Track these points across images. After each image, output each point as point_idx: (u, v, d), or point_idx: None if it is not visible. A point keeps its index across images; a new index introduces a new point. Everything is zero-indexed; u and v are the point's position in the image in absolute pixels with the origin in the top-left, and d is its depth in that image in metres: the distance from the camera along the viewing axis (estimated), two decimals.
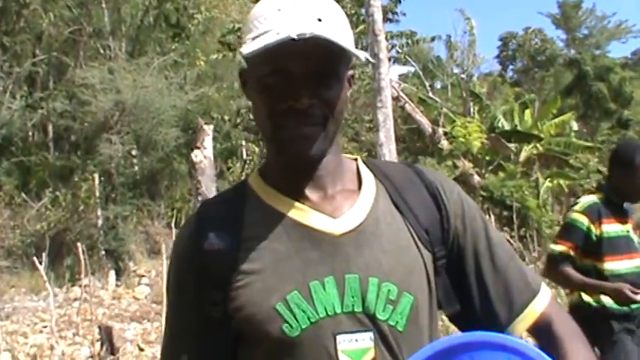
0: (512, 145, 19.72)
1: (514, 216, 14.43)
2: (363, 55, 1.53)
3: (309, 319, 1.44)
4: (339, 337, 1.44)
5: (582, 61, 45.61)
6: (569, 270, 4.60)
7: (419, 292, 1.52)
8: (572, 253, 4.61)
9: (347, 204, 1.55)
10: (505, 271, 1.60)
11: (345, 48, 1.43)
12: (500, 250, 1.62)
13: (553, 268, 4.68)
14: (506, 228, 14.00)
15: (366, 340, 1.45)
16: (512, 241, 13.31)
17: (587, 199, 4.75)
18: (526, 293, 1.60)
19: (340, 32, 1.46)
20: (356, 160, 1.67)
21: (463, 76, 31.25)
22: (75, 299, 11.07)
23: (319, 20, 1.43)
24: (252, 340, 1.48)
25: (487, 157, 20.31)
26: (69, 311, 10.22)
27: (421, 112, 20.98)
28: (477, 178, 18.77)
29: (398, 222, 1.56)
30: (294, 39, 1.37)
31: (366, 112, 24.92)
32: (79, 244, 10.45)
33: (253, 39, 1.45)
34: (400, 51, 24.43)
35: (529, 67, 59.13)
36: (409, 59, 27.65)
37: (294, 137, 1.48)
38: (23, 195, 19.67)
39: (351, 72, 1.58)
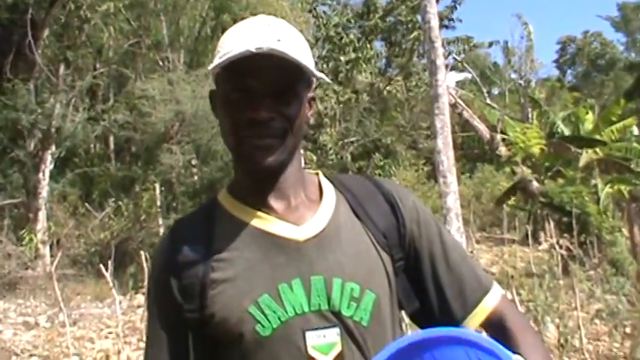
0: (573, 151, 19.46)
1: (574, 222, 14.23)
2: (321, 75, 1.67)
3: (279, 318, 1.56)
4: (308, 334, 1.56)
5: None
6: None
7: (380, 290, 1.64)
8: None
9: (309, 213, 1.67)
10: (459, 271, 1.72)
11: (301, 65, 1.55)
12: (453, 252, 1.74)
13: None
14: (566, 234, 13.83)
15: (333, 335, 1.57)
16: (572, 247, 13.12)
17: None
18: (478, 291, 1.72)
19: (299, 52, 1.57)
20: (317, 174, 1.79)
21: (521, 81, 31.01)
22: (138, 306, 11.28)
23: (278, 40, 1.55)
24: (227, 342, 1.58)
25: (546, 164, 20.08)
26: (133, 318, 10.42)
27: (479, 118, 20.84)
28: (535, 184, 18.57)
29: (357, 228, 1.68)
30: (252, 52, 1.49)
31: (423, 119, 24.87)
32: (141, 252, 10.64)
33: (220, 58, 1.57)
34: (457, 57, 24.35)
35: (588, 71, 58.23)
36: (466, 66, 27.50)
37: (255, 147, 1.59)
38: (87, 205, 20.06)
39: (312, 94, 1.71)
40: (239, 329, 1.56)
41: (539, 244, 17.85)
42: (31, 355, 8.97)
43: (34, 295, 14.13)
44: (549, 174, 19.79)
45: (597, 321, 10.02)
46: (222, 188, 1.75)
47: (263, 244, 1.62)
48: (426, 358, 1.58)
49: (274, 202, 1.66)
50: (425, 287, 1.71)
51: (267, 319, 1.56)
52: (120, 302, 9.16)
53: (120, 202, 19.49)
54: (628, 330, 8.87)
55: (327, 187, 1.75)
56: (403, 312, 1.77)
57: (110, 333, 9.75)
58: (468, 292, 1.71)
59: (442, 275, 1.71)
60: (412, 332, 1.56)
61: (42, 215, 18.46)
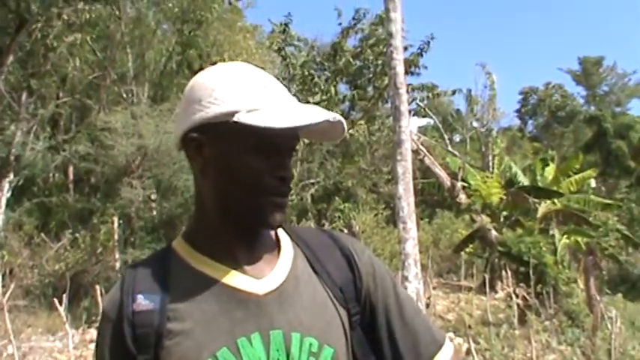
0: (531, 201, 19.69)
1: (531, 272, 14.36)
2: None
3: None
4: None
5: (602, 118, 45.61)
6: None
7: (338, 344, 1.64)
8: None
9: (269, 266, 1.67)
10: (413, 325, 1.73)
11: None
12: (407, 305, 1.76)
13: None
14: (522, 284, 13.90)
15: None
16: (528, 297, 13.22)
17: None
18: (432, 346, 1.73)
19: None
20: None
21: (482, 130, 31.37)
22: (91, 341, 11.08)
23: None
24: None
25: (505, 213, 20.28)
26: (85, 353, 10.22)
27: (440, 165, 21.03)
28: (494, 233, 18.71)
29: (315, 282, 1.68)
30: (330, 121, 1.58)
31: (385, 163, 25.02)
32: (97, 286, 10.51)
33: (249, 111, 1.56)
34: (420, 104, 24.58)
35: (549, 122, 59.21)
36: (429, 112, 27.79)
37: (275, 205, 1.62)
38: (42, 235, 19.81)
39: None
40: None
41: (496, 292, 17.94)
42: None
43: None
44: (507, 223, 19.96)
45: None
46: (181, 224, 1.73)
47: (221, 297, 1.60)
48: None
49: (241, 255, 1.65)
50: (379, 341, 1.71)
51: None
52: (72, 336, 9.02)
53: (77, 234, 19.28)
54: None
55: (285, 239, 1.75)
56: None
57: None
58: (422, 346, 1.72)
59: (397, 329, 1.71)
60: None
61: None
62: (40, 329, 13.52)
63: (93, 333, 11.58)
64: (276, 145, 1.60)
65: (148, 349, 1.55)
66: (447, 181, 20.06)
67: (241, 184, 1.60)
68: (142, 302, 1.58)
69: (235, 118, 1.55)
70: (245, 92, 1.59)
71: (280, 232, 1.75)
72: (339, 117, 1.59)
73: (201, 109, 1.60)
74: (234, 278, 1.62)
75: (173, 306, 1.58)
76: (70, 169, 24.29)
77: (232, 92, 1.59)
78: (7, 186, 18.45)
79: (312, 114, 1.56)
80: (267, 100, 1.59)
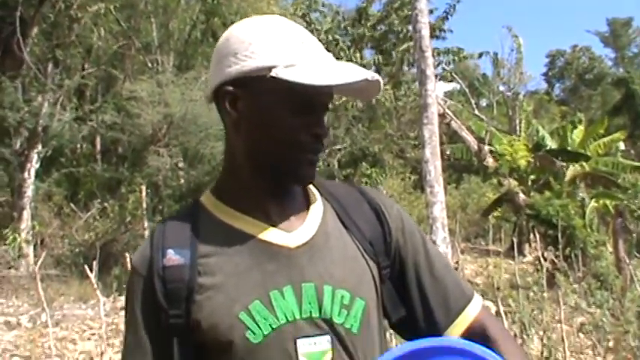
0: (559, 164, 19.55)
1: (559, 235, 14.27)
2: None
3: (270, 325, 1.54)
4: (299, 342, 1.55)
5: (630, 80, 45.01)
6: None
7: (369, 297, 1.64)
8: None
9: (299, 220, 1.66)
10: (442, 280, 1.73)
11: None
12: (437, 261, 1.76)
13: None
14: (551, 247, 13.84)
15: (324, 343, 1.56)
16: (556, 260, 13.15)
17: None
18: (461, 300, 1.74)
19: None
20: None
21: (509, 94, 31.08)
22: (122, 308, 11.19)
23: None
24: (216, 349, 1.55)
25: (532, 176, 20.16)
26: (116, 320, 10.33)
27: (467, 129, 20.89)
28: (522, 196, 18.63)
29: (345, 236, 1.68)
30: (368, 80, 1.58)
31: (411, 128, 24.92)
32: (126, 254, 10.59)
33: (287, 67, 1.56)
34: (446, 68, 24.42)
35: (576, 85, 58.59)
36: (455, 77, 27.58)
37: (308, 161, 1.63)
38: (72, 205, 19.97)
39: None
40: (229, 336, 1.53)
41: (524, 256, 17.90)
42: (12, 356, 8.90)
43: (17, 295, 14.03)
44: (535, 187, 19.84)
45: (581, 334, 10.05)
46: None
47: (253, 251, 1.60)
48: None
49: (272, 210, 1.65)
50: (409, 295, 1.72)
51: (258, 326, 1.53)
52: (104, 304, 9.10)
53: (105, 204, 19.42)
54: (611, 344, 8.89)
55: (314, 194, 1.74)
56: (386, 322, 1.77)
57: (93, 334, 9.69)
58: (452, 300, 1.72)
59: (426, 283, 1.72)
60: (404, 343, 1.56)
61: (26, 214, 18.33)
62: (72, 297, 13.67)
63: (123, 300, 11.70)
64: (312, 102, 1.59)
65: (179, 304, 1.55)
66: (473, 144, 19.97)
67: (275, 140, 1.59)
68: (173, 257, 1.58)
69: (273, 73, 1.54)
70: (283, 47, 1.58)
71: (310, 187, 1.74)
72: (377, 76, 1.59)
73: (237, 62, 1.58)
74: (266, 232, 1.61)
75: (204, 260, 1.58)
76: (98, 140, 24.41)
77: (270, 46, 1.58)
78: (35, 157, 18.54)
79: (350, 72, 1.56)
80: (305, 56, 1.58)
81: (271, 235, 1.61)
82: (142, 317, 1.61)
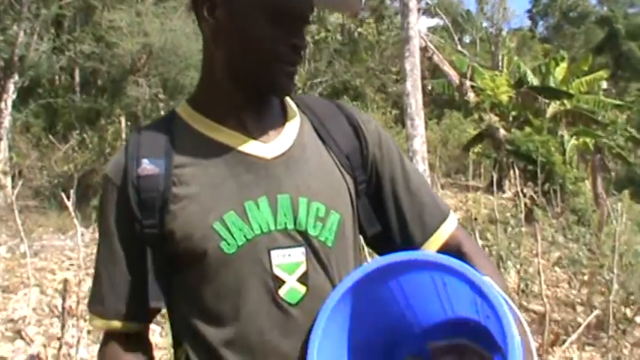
0: (541, 101, 19.55)
1: (539, 171, 14.35)
2: None
3: (245, 236, 1.52)
4: (273, 253, 1.53)
5: (614, 19, 44.95)
6: None
7: (344, 211, 1.62)
8: None
9: (276, 132, 1.63)
10: (419, 196, 1.72)
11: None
12: (414, 177, 1.74)
13: None
14: (530, 183, 13.91)
15: (298, 254, 1.55)
16: (535, 196, 13.24)
17: None
18: (437, 216, 1.72)
19: None
20: None
21: (492, 30, 30.94)
22: None
23: None
24: (190, 260, 1.54)
25: (514, 113, 20.17)
26: (94, 250, 10.32)
27: (449, 64, 20.80)
28: (502, 132, 18.65)
29: (321, 149, 1.66)
30: None
31: (393, 63, 24.82)
32: None
33: None
34: (430, 2, 24.21)
35: (560, 23, 58.34)
36: (439, 11, 27.37)
37: (285, 73, 1.57)
38: (50, 137, 19.83)
39: None
40: (203, 246, 1.51)
41: (504, 192, 18.00)
42: None
43: None
44: (516, 123, 19.87)
45: (557, 269, 10.19)
46: None
47: (228, 161, 1.57)
48: (391, 284, 1.57)
49: (249, 121, 1.61)
50: (385, 210, 1.70)
51: (233, 237, 1.51)
52: (82, 234, 9.09)
53: (84, 135, 19.28)
54: (586, 278, 9.02)
55: (292, 107, 1.71)
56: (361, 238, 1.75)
57: (72, 265, 9.69)
58: (427, 217, 1.71)
59: (403, 199, 1.70)
60: (377, 258, 1.54)
61: (4, 145, 18.18)
62: (50, 229, 13.66)
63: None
64: (292, 12, 1.54)
65: (153, 214, 1.54)
66: (455, 79, 19.90)
67: (254, 50, 1.54)
68: (147, 166, 1.55)
69: None
70: None
71: (287, 100, 1.71)
72: None
73: None
74: (242, 142, 1.58)
75: (179, 170, 1.55)
76: (76, 71, 24.14)
77: None
78: (12, 87, 18.28)
79: None
80: None
81: (248, 146, 1.58)
82: (116, 227, 1.59)
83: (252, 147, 1.58)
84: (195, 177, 1.55)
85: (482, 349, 1.59)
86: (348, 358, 1.59)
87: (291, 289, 1.53)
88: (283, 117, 1.67)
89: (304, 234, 1.55)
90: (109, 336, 1.66)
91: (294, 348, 1.53)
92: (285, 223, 1.54)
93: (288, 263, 1.53)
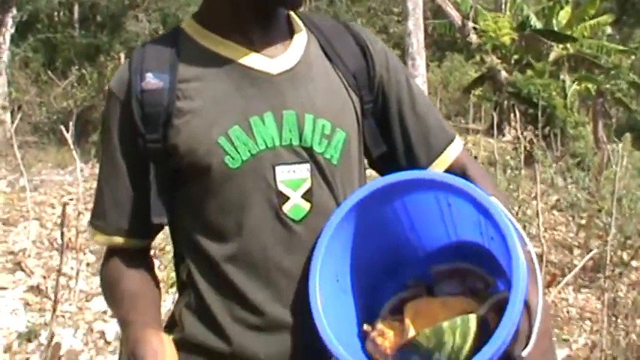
0: (544, 45, 19.40)
1: (539, 114, 14.29)
2: None
3: (249, 151, 1.51)
4: (277, 169, 1.52)
5: None
6: None
7: (350, 129, 1.61)
8: None
9: (282, 47, 1.60)
10: (425, 118, 1.69)
11: None
12: (420, 99, 1.72)
13: None
14: (530, 126, 13.87)
15: (303, 171, 1.54)
16: (535, 140, 13.22)
17: None
18: (443, 139, 1.70)
19: None
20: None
21: None
22: None
23: None
24: (193, 175, 1.53)
25: (516, 56, 20.02)
26: (94, 185, 10.30)
27: (452, 4, 20.58)
28: (504, 74, 18.55)
29: (328, 67, 1.63)
30: None
31: (395, 3, 24.57)
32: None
33: None
34: None
35: None
36: None
37: None
38: (49, 73, 19.72)
39: None
40: (206, 161, 1.50)
41: (504, 135, 17.96)
42: None
43: None
44: (518, 66, 19.74)
45: (555, 212, 10.23)
46: None
47: (234, 75, 1.54)
48: (396, 205, 1.56)
49: (255, 35, 1.58)
50: (391, 132, 1.69)
51: (237, 151, 1.50)
52: (81, 169, 9.09)
53: (84, 71, 19.17)
54: (584, 222, 9.05)
55: (298, 24, 1.68)
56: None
57: (71, 200, 9.70)
58: (433, 139, 1.69)
59: (409, 120, 1.68)
60: (382, 177, 1.53)
61: (2, 80, 18.01)
62: (50, 164, 13.65)
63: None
64: None
65: (156, 128, 1.52)
66: (457, 20, 19.71)
67: None
68: (151, 81, 1.53)
69: None
70: None
71: (294, 17, 1.68)
72: None
73: None
74: (248, 57, 1.56)
75: (183, 85, 1.53)
76: (75, 7, 23.91)
77: None
78: (10, 21, 18.07)
79: None
80: None
81: (253, 60, 1.56)
82: (119, 142, 1.58)
83: (257, 61, 1.56)
84: (199, 91, 1.53)
85: (485, 274, 1.59)
86: (350, 277, 1.59)
87: (295, 206, 1.53)
88: (290, 33, 1.64)
89: (309, 151, 1.54)
90: (112, 252, 1.66)
91: (296, 265, 1.53)
92: (291, 139, 1.53)
93: (293, 179, 1.53)
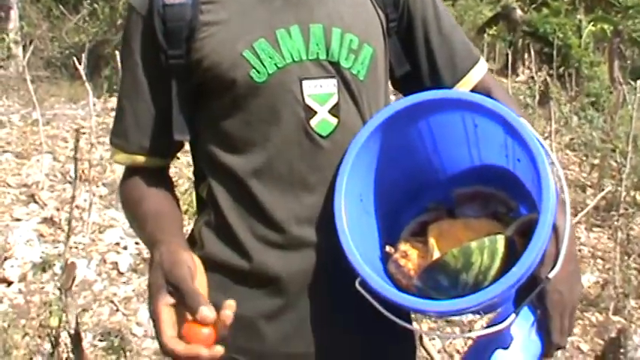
0: None
1: (555, 53, 14.15)
2: None
3: (275, 64, 1.47)
4: (304, 83, 1.48)
5: None
6: None
7: (377, 45, 1.57)
8: None
9: None
10: (450, 38, 1.66)
11: None
12: (446, 19, 1.68)
13: None
14: (545, 65, 13.76)
15: (330, 86, 1.50)
16: (550, 79, 13.10)
17: None
18: (468, 60, 1.67)
19: None
20: None
21: None
22: (112, 109, 11.13)
23: None
24: (218, 89, 1.50)
25: None
26: (107, 120, 10.31)
27: None
28: (519, 12, 18.34)
29: None
30: None
31: None
32: (117, 55, 10.45)
33: None
34: None
35: None
36: None
37: None
38: (61, 7, 19.54)
39: None
40: (231, 74, 1.46)
41: (517, 76, 17.82)
42: (4, 152, 8.94)
43: (7, 96, 13.93)
44: (533, 5, 19.50)
45: (568, 151, 10.18)
46: None
47: None
48: (420, 125, 1.54)
49: None
50: (415, 52, 1.65)
51: (263, 65, 1.46)
52: (94, 104, 9.08)
53: (95, 5, 18.96)
54: (597, 161, 9.01)
55: None
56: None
57: (84, 134, 9.70)
58: (458, 59, 1.66)
59: (434, 40, 1.64)
60: (412, 95, 1.51)
61: (14, 14, 17.90)
62: (62, 98, 13.60)
63: (114, 101, 11.65)
64: None
65: (179, 44, 1.48)
66: None
67: None
68: None
69: None
70: None
71: None
72: None
73: None
74: None
75: None
76: None
77: None
78: None
79: None
80: None
81: None
82: (141, 58, 1.54)
83: None
84: (224, 4, 1.48)
85: (508, 198, 1.58)
86: (373, 198, 1.58)
87: (323, 121, 1.50)
88: None
89: (336, 65, 1.50)
90: (132, 171, 1.64)
91: (321, 181, 1.51)
92: (318, 53, 1.49)
93: (320, 94, 1.49)
